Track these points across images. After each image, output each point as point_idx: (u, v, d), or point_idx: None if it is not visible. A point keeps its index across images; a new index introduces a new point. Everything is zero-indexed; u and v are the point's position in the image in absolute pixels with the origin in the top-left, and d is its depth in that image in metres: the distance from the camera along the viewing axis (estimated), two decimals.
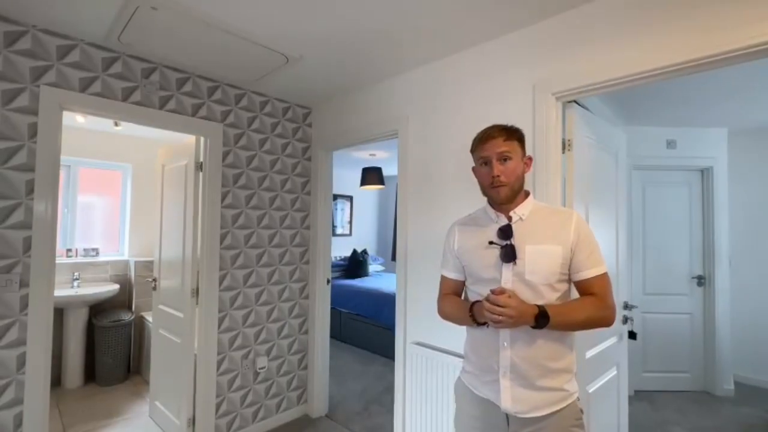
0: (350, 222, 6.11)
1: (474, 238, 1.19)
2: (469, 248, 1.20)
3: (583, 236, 1.09)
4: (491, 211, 1.19)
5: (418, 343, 2.01)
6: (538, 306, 1.01)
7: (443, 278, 1.31)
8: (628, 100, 2.65)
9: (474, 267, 1.18)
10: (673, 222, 3.26)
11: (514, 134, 1.14)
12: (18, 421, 1.69)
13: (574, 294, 1.14)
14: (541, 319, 1.00)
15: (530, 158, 1.18)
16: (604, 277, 1.09)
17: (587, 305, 1.06)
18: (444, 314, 1.27)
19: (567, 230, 1.09)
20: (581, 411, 1.11)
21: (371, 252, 6.38)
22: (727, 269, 3.18)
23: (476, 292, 1.18)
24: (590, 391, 1.70)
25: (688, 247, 3.25)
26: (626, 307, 2.01)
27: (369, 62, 2.09)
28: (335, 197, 5.73)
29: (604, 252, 1.83)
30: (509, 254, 1.08)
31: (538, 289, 1.07)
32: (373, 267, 5.74)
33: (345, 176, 5.82)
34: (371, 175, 4.91)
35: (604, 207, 1.86)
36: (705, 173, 3.24)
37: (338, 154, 3.73)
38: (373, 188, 5.16)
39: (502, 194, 1.12)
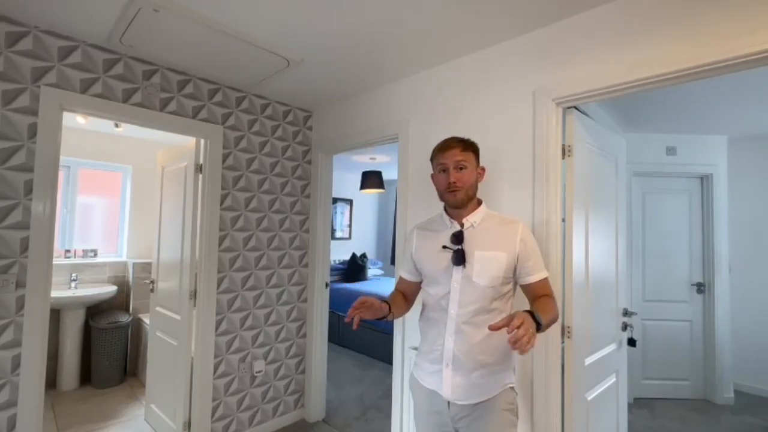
0: (350, 225, 6.11)
1: (429, 243, 1.31)
2: (424, 252, 1.31)
3: (529, 245, 1.22)
4: (446, 218, 1.30)
5: (416, 348, 1.99)
6: (526, 311, 1.02)
7: (399, 277, 1.45)
8: (629, 107, 2.66)
9: (429, 269, 1.29)
10: (672, 229, 3.26)
11: (470, 146, 1.27)
12: (12, 424, 1.67)
13: (519, 295, 1.27)
14: (536, 316, 1.03)
15: (483, 169, 1.31)
16: (548, 279, 1.25)
17: (551, 305, 1.17)
18: None
19: (513, 239, 1.21)
20: (515, 396, 1.24)
21: (370, 256, 6.37)
22: (727, 276, 3.17)
23: (430, 293, 1.29)
24: (589, 398, 1.69)
25: (688, 253, 3.24)
26: (626, 313, 2.00)
27: (370, 66, 2.09)
28: (335, 200, 5.73)
29: (603, 258, 1.84)
30: (459, 258, 1.20)
31: (483, 291, 1.19)
32: (372, 271, 5.73)
33: (345, 179, 5.82)
34: (371, 179, 4.91)
35: (603, 213, 1.86)
36: (705, 180, 3.25)
37: (338, 157, 3.73)
38: (373, 192, 5.16)
39: (458, 198, 1.23)
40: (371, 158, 4.74)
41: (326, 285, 2.79)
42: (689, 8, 1.28)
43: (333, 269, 5.13)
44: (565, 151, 1.61)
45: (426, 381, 1.28)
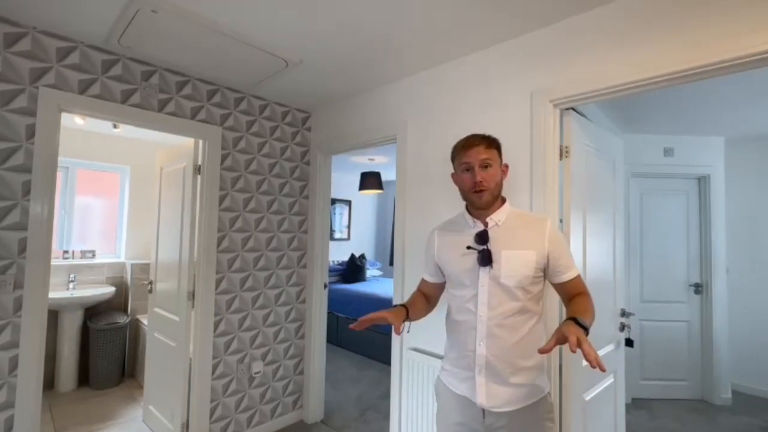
0: (348, 226, 6.11)
1: (453, 244, 1.25)
2: (448, 254, 1.26)
3: (557, 242, 1.17)
4: (468, 217, 1.25)
5: (415, 349, 2.00)
6: (571, 319, 0.99)
7: (422, 279, 1.41)
8: (626, 108, 2.67)
9: (453, 271, 1.24)
10: (670, 229, 3.27)
11: (493, 143, 1.21)
12: (9, 425, 1.67)
13: (549, 295, 1.20)
14: (582, 322, 0.99)
15: (507, 166, 1.25)
16: (580, 276, 1.19)
17: (589, 303, 1.11)
18: None
19: (541, 237, 1.16)
20: (552, 405, 1.19)
21: (369, 257, 6.37)
22: (724, 277, 3.18)
23: (455, 295, 1.24)
24: (587, 398, 1.69)
25: (686, 254, 3.25)
26: (623, 314, 2.01)
27: (368, 67, 2.10)
28: (334, 201, 5.73)
29: (601, 259, 1.85)
30: (485, 258, 1.15)
31: (512, 292, 1.13)
32: (370, 272, 5.73)
33: (344, 180, 5.82)
34: (370, 180, 4.92)
35: (601, 214, 1.86)
36: (702, 181, 3.26)
37: (337, 158, 3.73)
38: (371, 193, 5.16)
39: (484, 199, 1.18)
40: (370, 159, 4.75)
41: (325, 286, 2.79)
42: (687, 9, 1.29)
43: (332, 270, 5.13)
44: (563, 153, 1.62)
45: (457, 387, 1.21)
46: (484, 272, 1.16)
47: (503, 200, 1.24)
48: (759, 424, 2.82)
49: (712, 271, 3.16)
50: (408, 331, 1.33)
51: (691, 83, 1.34)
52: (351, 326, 1.11)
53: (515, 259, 1.14)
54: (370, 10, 1.55)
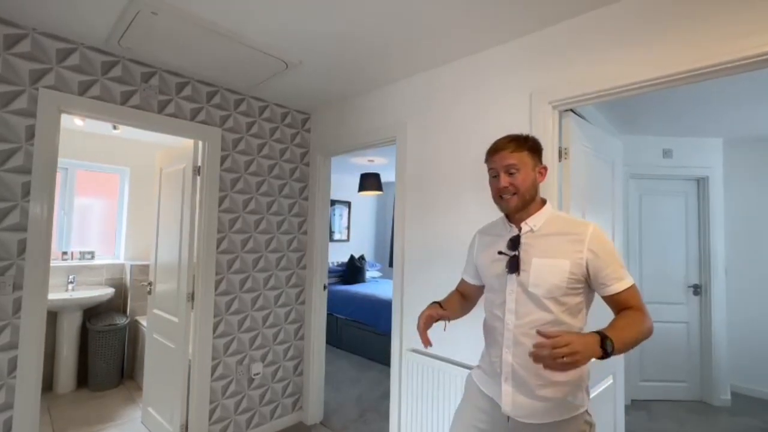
0: (348, 227, 6.10)
1: (488, 248, 1.23)
2: (484, 257, 1.24)
3: (600, 251, 1.05)
4: (506, 221, 1.21)
5: (415, 351, 2.00)
6: (598, 333, 0.92)
7: (461, 278, 1.41)
8: (625, 110, 2.67)
9: (486, 275, 1.22)
10: (669, 231, 3.27)
11: (523, 144, 1.14)
12: (8, 427, 1.66)
13: (596, 308, 1.13)
14: (606, 343, 0.90)
15: (545, 168, 1.18)
16: (634, 288, 1.06)
17: (636, 320, 1.00)
18: None
19: (580, 245, 1.06)
20: (590, 425, 1.11)
21: (369, 258, 6.37)
22: (723, 278, 3.18)
23: (488, 299, 1.22)
24: None
25: (685, 256, 3.26)
26: None
27: (368, 69, 2.10)
28: (333, 203, 5.73)
29: None
30: (513, 265, 1.11)
31: (541, 302, 1.07)
32: (370, 273, 5.73)
33: (343, 182, 5.82)
34: (369, 181, 4.92)
35: (600, 215, 1.86)
36: (701, 183, 3.27)
37: (336, 159, 3.73)
38: (371, 194, 5.17)
39: (511, 205, 1.13)
40: (369, 160, 4.75)
41: (324, 287, 2.79)
42: (686, 11, 1.29)
43: (331, 271, 5.13)
44: (562, 154, 1.62)
45: (486, 388, 1.19)
46: (512, 279, 1.12)
47: (543, 202, 1.17)
48: (758, 426, 2.82)
49: (711, 272, 3.16)
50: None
51: (691, 85, 1.35)
52: (426, 346, 1.16)
53: (545, 268, 1.07)
54: (369, 12, 1.56)
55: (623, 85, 1.40)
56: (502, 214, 1.24)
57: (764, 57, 1.16)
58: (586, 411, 1.12)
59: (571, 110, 1.65)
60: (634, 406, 3.06)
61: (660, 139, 3.21)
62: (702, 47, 1.25)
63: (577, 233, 1.08)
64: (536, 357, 0.88)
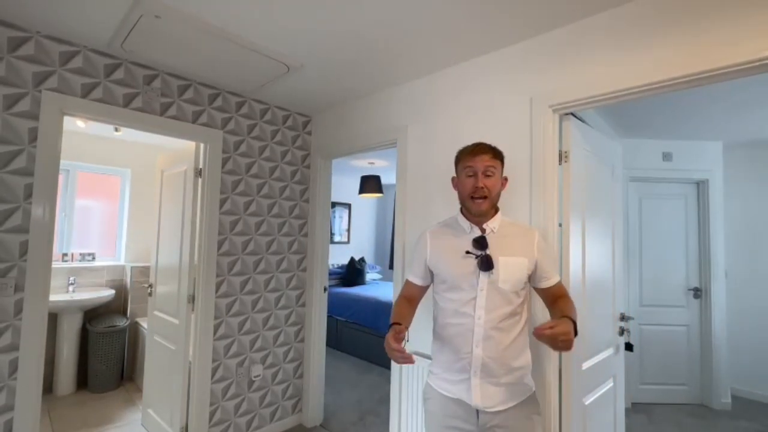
0: (348, 230, 6.11)
1: (449, 248, 1.29)
2: (443, 257, 1.29)
3: (545, 251, 1.28)
4: (465, 222, 1.29)
5: (415, 353, 2.00)
6: (568, 318, 1.11)
7: (407, 282, 1.42)
8: (625, 113, 2.68)
9: (449, 275, 1.27)
10: (669, 234, 3.28)
11: (498, 155, 1.28)
12: (8, 429, 1.66)
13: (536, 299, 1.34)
14: (575, 325, 1.09)
15: (506, 179, 1.32)
16: (561, 281, 1.31)
17: (573, 305, 1.23)
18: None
19: (531, 245, 1.26)
20: (538, 402, 1.29)
21: (369, 260, 6.37)
22: (723, 281, 3.19)
23: (451, 299, 1.26)
24: (586, 403, 1.69)
25: (685, 259, 3.26)
26: (623, 318, 2.01)
27: (369, 72, 2.11)
28: (334, 205, 5.74)
29: (600, 263, 1.86)
30: (487, 264, 1.20)
31: (507, 296, 1.21)
32: (370, 275, 5.73)
33: (344, 184, 5.83)
34: (370, 184, 4.93)
35: (600, 218, 1.87)
36: (701, 186, 3.27)
37: (337, 161, 3.74)
38: (371, 196, 5.18)
39: (483, 208, 1.24)
40: (370, 163, 4.76)
41: (325, 289, 2.79)
42: (687, 17, 1.30)
43: (331, 273, 5.13)
44: (562, 157, 1.63)
45: (450, 391, 1.25)
46: (483, 277, 1.20)
47: (497, 209, 1.30)
48: (758, 429, 2.81)
49: (711, 275, 3.17)
50: (407, 341, 1.33)
51: (690, 89, 1.36)
52: (403, 362, 1.14)
53: (511, 265, 1.21)
54: (371, 15, 1.57)
55: (624, 89, 1.41)
56: (453, 215, 1.36)
57: (763, 62, 1.17)
58: (535, 391, 1.29)
59: (572, 114, 1.65)
60: (634, 409, 3.06)
61: (660, 142, 3.22)
62: (702, 52, 1.26)
63: (527, 236, 1.28)
64: (545, 336, 1.03)
